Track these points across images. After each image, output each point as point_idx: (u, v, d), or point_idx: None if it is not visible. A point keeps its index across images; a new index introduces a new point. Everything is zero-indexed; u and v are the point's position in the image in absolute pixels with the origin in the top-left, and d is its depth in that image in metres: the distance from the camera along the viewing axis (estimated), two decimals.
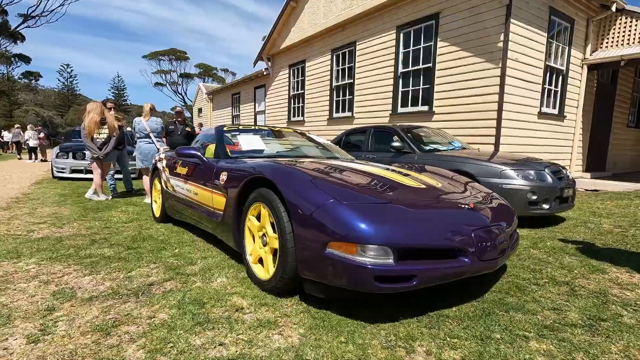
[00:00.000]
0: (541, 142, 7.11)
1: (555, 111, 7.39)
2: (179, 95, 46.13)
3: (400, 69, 7.85)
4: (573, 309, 1.97)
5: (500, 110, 6.15)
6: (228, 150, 3.09)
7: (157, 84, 45.39)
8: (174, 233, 3.64)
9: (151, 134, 5.65)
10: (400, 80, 7.91)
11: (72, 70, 53.47)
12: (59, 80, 68.87)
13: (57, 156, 8.06)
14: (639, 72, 9.75)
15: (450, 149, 5.00)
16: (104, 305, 1.98)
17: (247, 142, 3.23)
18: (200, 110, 20.94)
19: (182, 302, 2.00)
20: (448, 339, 1.66)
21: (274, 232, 2.08)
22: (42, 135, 15.60)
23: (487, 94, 6.28)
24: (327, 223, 1.73)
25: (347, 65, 9.33)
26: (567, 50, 7.27)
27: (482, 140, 6.40)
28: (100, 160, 5.56)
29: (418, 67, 7.48)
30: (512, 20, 5.95)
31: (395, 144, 4.94)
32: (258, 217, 2.28)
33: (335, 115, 9.84)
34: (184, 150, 3.12)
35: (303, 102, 11.07)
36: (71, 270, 2.50)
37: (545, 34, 6.65)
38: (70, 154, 8.06)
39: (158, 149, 5.68)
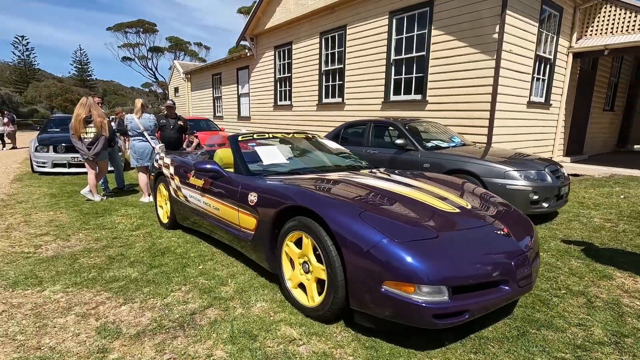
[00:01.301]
0: (528, 131, 7.37)
1: (542, 99, 7.63)
2: (149, 71, 43.95)
3: (393, 56, 7.80)
4: (596, 323, 2.16)
5: (494, 102, 6.28)
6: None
7: (124, 58, 42.84)
8: (189, 243, 3.61)
9: (145, 132, 5.43)
10: (393, 68, 7.88)
11: (28, 43, 49.50)
12: (14, 54, 63.89)
13: (36, 150, 7.63)
14: (617, 57, 10.11)
15: (452, 146, 5.12)
16: (155, 342, 1.99)
17: (267, 155, 3.20)
18: (176, 89, 20.12)
19: (233, 335, 2.04)
20: None
21: (319, 262, 2.12)
22: (5, 120, 14.58)
23: (482, 85, 6.38)
24: (382, 262, 1.79)
25: (337, 50, 9.16)
26: (555, 39, 7.43)
27: (475, 130, 6.56)
28: (91, 161, 5.34)
29: (411, 55, 7.46)
30: (507, 11, 5.98)
31: (399, 141, 5.00)
32: (297, 244, 2.31)
33: (325, 100, 9.74)
34: (202, 165, 3.05)
35: (290, 86, 10.85)
36: (103, 299, 2.47)
37: (537, 24, 6.75)
38: (51, 147, 7.65)
39: (153, 147, 5.49)
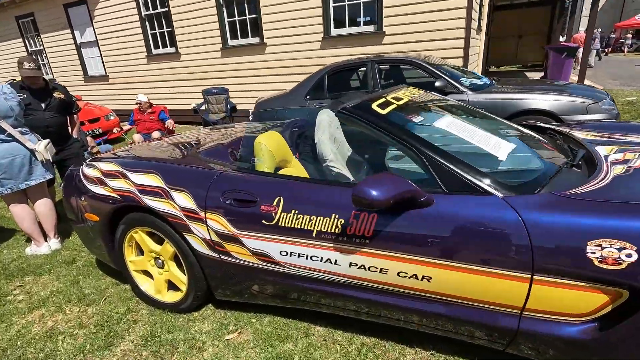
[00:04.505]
0: (473, 59, 7.13)
1: (476, 24, 7.40)
2: None
3: None
4: None
5: (468, 28, 5.59)
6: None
7: None
8: (275, 339, 1.78)
9: (3, 123, 2.66)
10: None
11: None
12: None
13: None
14: None
15: (489, 84, 4.18)
16: None
17: (480, 140, 1.55)
18: None
19: None
20: None
21: None
22: None
23: (454, 9, 5.53)
24: None
25: None
26: None
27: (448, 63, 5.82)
28: None
29: None
30: None
31: (438, 83, 3.81)
32: None
33: (232, 43, 7.40)
34: (375, 188, 1.25)
35: (171, 27, 7.86)
36: None
37: None
38: None
39: (33, 152, 2.80)
